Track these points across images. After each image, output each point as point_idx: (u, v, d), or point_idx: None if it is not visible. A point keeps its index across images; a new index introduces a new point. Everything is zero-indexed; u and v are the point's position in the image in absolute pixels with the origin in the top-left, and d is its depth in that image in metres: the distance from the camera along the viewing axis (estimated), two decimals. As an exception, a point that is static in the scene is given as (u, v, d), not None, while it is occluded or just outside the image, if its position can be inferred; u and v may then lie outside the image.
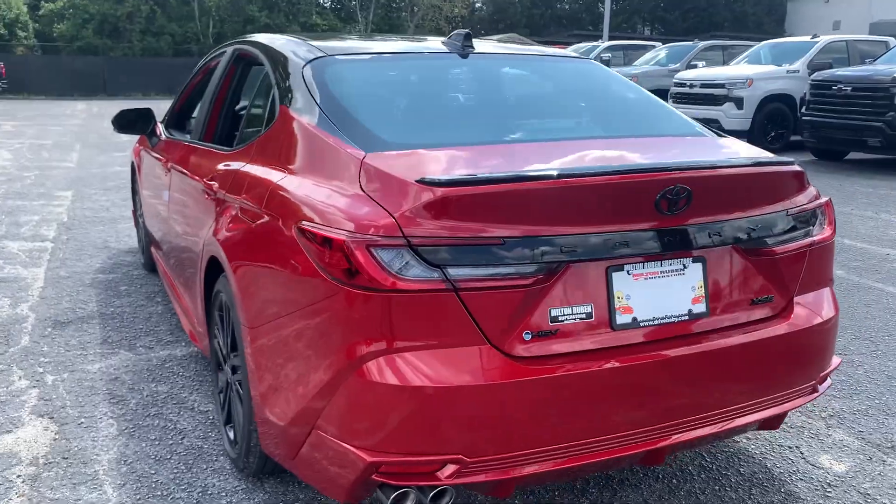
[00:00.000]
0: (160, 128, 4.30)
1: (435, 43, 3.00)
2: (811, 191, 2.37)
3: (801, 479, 2.65)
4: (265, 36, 3.15)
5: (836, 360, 2.47)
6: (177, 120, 4.33)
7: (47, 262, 5.32)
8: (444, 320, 1.83)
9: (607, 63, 17.45)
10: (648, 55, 17.27)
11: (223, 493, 2.52)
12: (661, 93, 14.54)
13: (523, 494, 2.51)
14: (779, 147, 12.66)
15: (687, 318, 2.09)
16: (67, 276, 4.99)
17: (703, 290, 2.12)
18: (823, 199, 2.42)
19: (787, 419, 3.06)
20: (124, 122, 4.17)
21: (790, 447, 2.87)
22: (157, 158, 4.07)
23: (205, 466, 2.69)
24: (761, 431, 2.95)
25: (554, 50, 3.32)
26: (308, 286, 1.96)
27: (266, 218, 2.24)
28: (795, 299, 2.29)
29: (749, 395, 2.18)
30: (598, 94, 3.01)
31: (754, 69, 13.05)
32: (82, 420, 3.02)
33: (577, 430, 1.94)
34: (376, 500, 2.01)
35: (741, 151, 2.48)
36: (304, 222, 1.99)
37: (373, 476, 1.86)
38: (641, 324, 2.03)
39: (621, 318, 2.01)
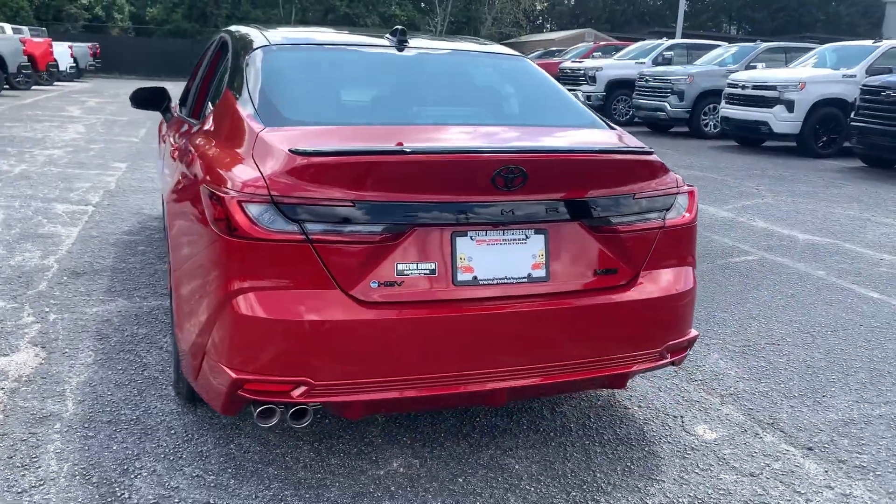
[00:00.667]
0: (175, 106, 4.80)
1: (378, 38, 3.38)
2: (669, 179, 2.65)
3: (667, 443, 2.93)
4: (240, 27, 3.59)
5: (692, 333, 2.74)
6: (184, 99, 4.84)
7: (84, 223, 5.95)
8: (300, 266, 2.22)
9: (669, 61, 17.42)
10: (713, 54, 17.14)
11: (161, 413, 2.98)
12: (716, 93, 14.54)
13: (410, 431, 2.88)
14: (831, 153, 12.52)
15: (526, 280, 2.42)
16: (96, 236, 5.58)
17: (545, 258, 2.44)
18: (686, 188, 2.70)
19: (684, 394, 3.34)
20: (140, 99, 4.68)
21: (674, 416, 3.15)
22: (162, 133, 4.58)
23: (154, 392, 3.16)
24: (654, 401, 3.23)
25: (493, 47, 3.64)
26: (205, 236, 2.37)
27: (191, 179, 2.67)
28: (643, 273, 2.58)
29: (586, 354, 2.49)
30: (508, 88, 3.35)
31: (808, 72, 12.89)
32: (67, 350, 3.54)
33: (415, 366, 2.30)
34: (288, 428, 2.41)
35: (608, 141, 2.77)
36: (205, 184, 2.41)
37: (239, 392, 2.27)
38: (481, 282, 2.37)
39: (462, 276, 2.35)
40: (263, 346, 2.23)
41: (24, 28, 24.69)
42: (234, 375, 2.25)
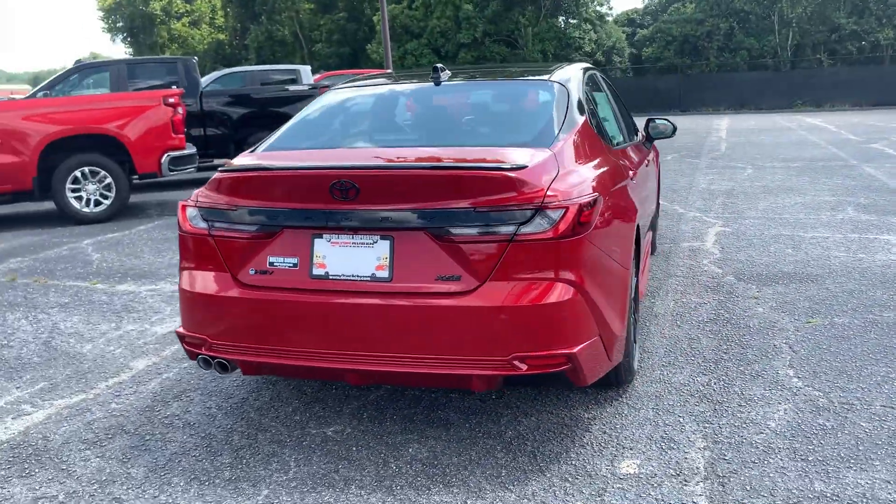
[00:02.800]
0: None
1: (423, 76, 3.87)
2: (529, 193, 2.68)
3: (558, 418, 2.87)
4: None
5: (566, 349, 2.70)
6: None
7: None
8: (207, 254, 3.02)
9: None
10: None
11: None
12: None
13: (366, 408, 3.37)
14: None
15: (369, 279, 2.79)
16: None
17: (389, 261, 2.77)
18: (563, 203, 2.69)
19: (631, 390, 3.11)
20: None
21: (588, 394, 2.99)
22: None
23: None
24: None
25: (536, 74, 3.79)
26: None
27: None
28: (489, 282, 2.69)
29: (425, 351, 2.73)
30: (494, 113, 3.54)
31: None
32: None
33: (279, 339, 2.89)
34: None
35: (491, 159, 2.86)
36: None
37: (184, 345, 3.15)
38: (331, 277, 2.84)
39: (316, 271, 2.86)
40: (189, 310, 3.08)
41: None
42: (178, 331, 3.15)
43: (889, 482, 2.63)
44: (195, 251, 3.06)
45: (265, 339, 2.92)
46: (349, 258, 2.82)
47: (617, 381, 3.39)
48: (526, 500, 2.61)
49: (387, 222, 2.76)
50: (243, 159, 3.25)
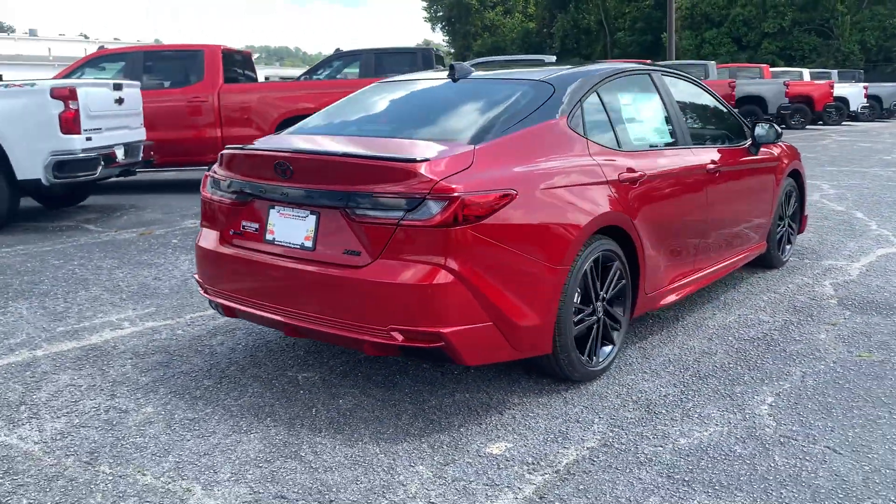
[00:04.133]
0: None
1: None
2: (423, 184, 2.95)
3: (487, 398, 3.10)
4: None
5: (440, 329, 2.95)
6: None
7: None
8: (211, 215, 3.70)
9: None
10: None
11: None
12: None
13: (340, 364, 3.85)
14: None
15: (299, 247, 3.27)
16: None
17: (314, 234, 3.23)
18: (445, 195, 2.94)
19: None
20: None
21: (541, 383, 3.15)
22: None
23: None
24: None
25: (532, 74, 3.89)
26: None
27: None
28: (379, 260, 3.03)
29: (330, 314, 3.16)
30: (458, 110, 3.70)
31: None
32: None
33: (242, 290, 3.50)
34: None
35: (396, 150, 3.18)
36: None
37: (199, 288, 3.88)
38: (276, 242, 3.36)
39: (268, 236, 3.40)
40: (197, 259, 3.80)
41: (804, 71, 26.18)
42: (195, 278, 3.89)
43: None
44: (204, 212, 3.77)
45: (235, 289, 3.54)
46: (289, 228, 3.33)
47: (561, 373, 3.49)
48: (390, 455, 2.93)
49: (313, 200, 3.22)
50: (256, 141, 3.89)
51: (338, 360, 3.93)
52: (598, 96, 3.90)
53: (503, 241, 3.08)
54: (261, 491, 2.71)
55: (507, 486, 2.72)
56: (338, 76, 13.13)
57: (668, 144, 4.32)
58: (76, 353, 4.11)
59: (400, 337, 3.01)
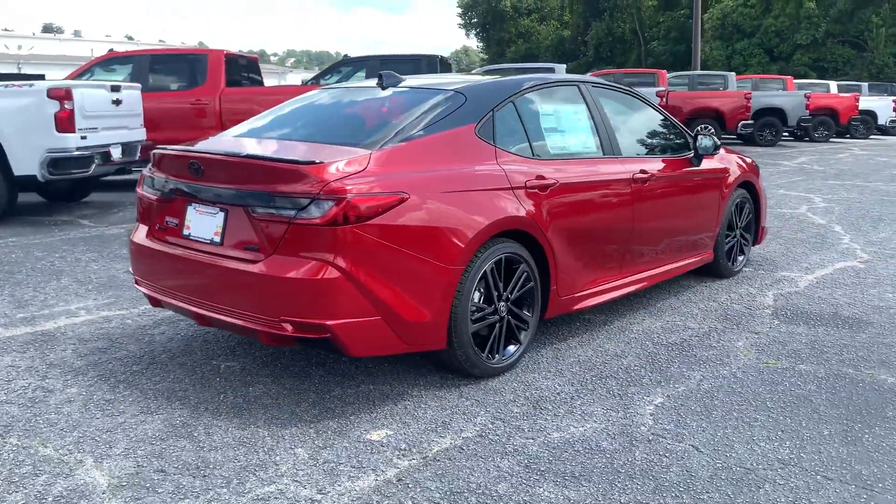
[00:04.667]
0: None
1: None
2: (314, 186, 3.16)
3: (383, 388, 3.30)
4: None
5: (324, 321, 3.16)
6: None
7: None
8: (143, 211, 3.95)
9: None
10: None
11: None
12: None
13: (262, 356, 4.07)
14: None
15: (209, 242, 3.50)
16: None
17: (222, 229, 3.46)
18: (338, 196, 3.15)
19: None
20: None
21: (440, 375, 3.33)
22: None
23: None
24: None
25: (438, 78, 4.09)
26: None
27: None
28: (274, 255, 3.25)
29: (231, 305, 3.38)
30: (373, 115, 3.90)
31: None
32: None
33: (163, 280, 3.74)
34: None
35: (299, 153, 3.39)
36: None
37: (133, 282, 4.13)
38: (191, 237, 3.60)
39: (185, 231, 3.64)
40: (130, 253, 4.06)
41: (831, 83, 25.84)
42: (128, 269, 4.15)
43: None
44: (138, 209, 4.02)
45: (158, 280, 3.79)
46: (202, 223, 3.56)
47: (461, 369, 3.67)
48: (276, 438, 3.14)
49: (221, 198, 3.45)
50: (199, 141, 4.15)
51: (263, 352, 4.15)
52: (515, 106, 4.08)
53: (392, 241, 3.27)
54: (145, 465, 2.94)
55: (372, 469, 2.91)
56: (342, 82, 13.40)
57: (592, 154, 4.47)
58: (26, 337, 4.39)
59: (290, 328, 3.22)
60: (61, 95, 7.65)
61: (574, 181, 4.15)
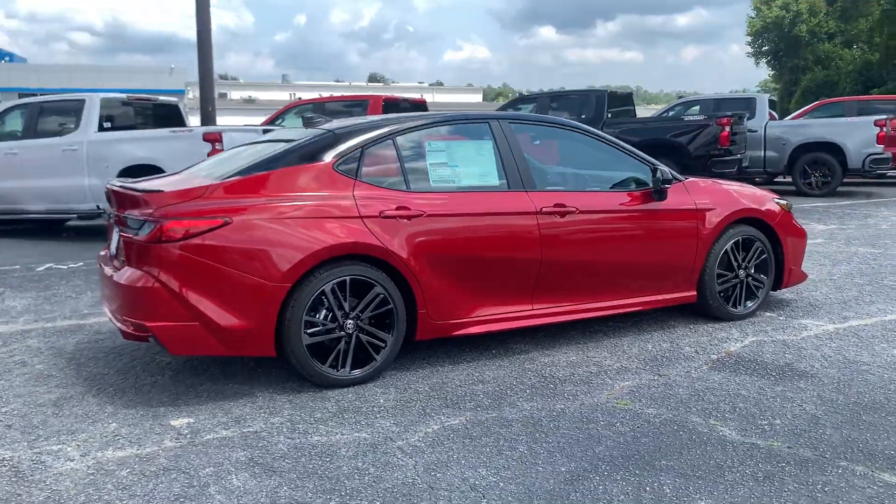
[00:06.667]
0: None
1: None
2: (150, 210, 3.88)
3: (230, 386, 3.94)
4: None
5: (147, 322, 3.85)
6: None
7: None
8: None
9: None
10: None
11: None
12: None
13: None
14: None
15: (115, 254, 4.37)
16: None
17: (118, 246, 4.30)
18: (159, 219, 3.84)
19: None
20: None
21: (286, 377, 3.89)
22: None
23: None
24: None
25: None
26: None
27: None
28: (125, 266, 4.01)
29: (117, 309, 4.18)
30: (258, 153, 4.41)
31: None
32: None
33: (103, 296, 4.69)
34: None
35: (163, 186, 4.07)
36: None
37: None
38: (111, 254, 4.50)
39: (112, 251, 4.54)
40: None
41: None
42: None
43: None
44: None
45: (102, 294, 4.74)
46: (115, 242, 4.44)
47: (303, 376, 4.13)
48: (91, 417, 3.89)
49: (118, 221, 4.30)
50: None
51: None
52: (394, 143, 4.44)
53: (209, 258, 3.86)
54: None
55: (140, 445, 3.52)
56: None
57: (491, 188, 4.63)
58: None
59: (129, 327, 3.96)
60: (214, 138, 9.25)
61: (449, 213, 4.38)
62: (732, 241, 5.36)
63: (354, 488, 3.06)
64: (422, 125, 4.62)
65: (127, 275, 3.99)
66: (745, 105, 14.66)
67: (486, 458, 3.32)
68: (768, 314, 5.64)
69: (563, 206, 4.70)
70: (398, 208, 4.26)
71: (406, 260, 4.22)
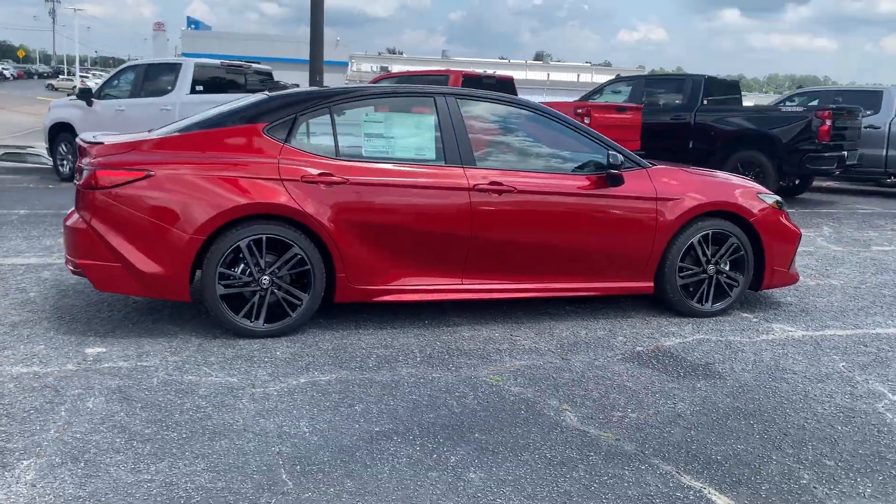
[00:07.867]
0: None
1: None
2: (88, 160, 4.33)
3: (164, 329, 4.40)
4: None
5: (82, 261, 4.32)
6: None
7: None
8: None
9: None
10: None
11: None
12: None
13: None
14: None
15: (81, 200, 4.90)
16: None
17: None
18: (91, 168, 4.28)
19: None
20: None
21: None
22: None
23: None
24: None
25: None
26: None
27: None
28: (73, 210, 4.51)
29: (65, 247, 4.72)
30: (210, 113, 4.67)
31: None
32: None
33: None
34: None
35: (113, 138, 4.48)
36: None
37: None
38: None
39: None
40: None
41: None
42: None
43: None
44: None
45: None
46: (86, 188, 4.96)
47: (220, 324, 4.48)
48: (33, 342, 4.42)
49: (77, 171, 4.78)
50: None
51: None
52: (330, 112, 4.65)
53: (131, 206, 4.25)
54: (-36, 334, 4.46)
55: (43, 362, 4.00)
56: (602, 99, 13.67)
57: (426, 161, 4.73)
58: None
59: (69, 264, 4.47)
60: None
61: (374, 183, 4.54)
62: (701, 234, 5.14)
63: (178, 421, 3.36)
64: (364, 96, 4.80)
65: (72, 218, 4.49)
66: (872, 98, 13.50)
67: (318, 412, 3.50)
68: (743, 314, 5.37)
69: (500, 184, 4.72)
70: (321, 174, 4.47)
71: (325, 224, 4.43)
